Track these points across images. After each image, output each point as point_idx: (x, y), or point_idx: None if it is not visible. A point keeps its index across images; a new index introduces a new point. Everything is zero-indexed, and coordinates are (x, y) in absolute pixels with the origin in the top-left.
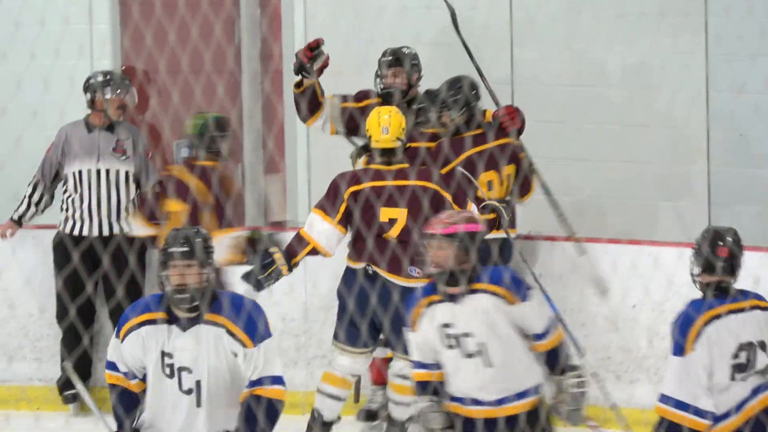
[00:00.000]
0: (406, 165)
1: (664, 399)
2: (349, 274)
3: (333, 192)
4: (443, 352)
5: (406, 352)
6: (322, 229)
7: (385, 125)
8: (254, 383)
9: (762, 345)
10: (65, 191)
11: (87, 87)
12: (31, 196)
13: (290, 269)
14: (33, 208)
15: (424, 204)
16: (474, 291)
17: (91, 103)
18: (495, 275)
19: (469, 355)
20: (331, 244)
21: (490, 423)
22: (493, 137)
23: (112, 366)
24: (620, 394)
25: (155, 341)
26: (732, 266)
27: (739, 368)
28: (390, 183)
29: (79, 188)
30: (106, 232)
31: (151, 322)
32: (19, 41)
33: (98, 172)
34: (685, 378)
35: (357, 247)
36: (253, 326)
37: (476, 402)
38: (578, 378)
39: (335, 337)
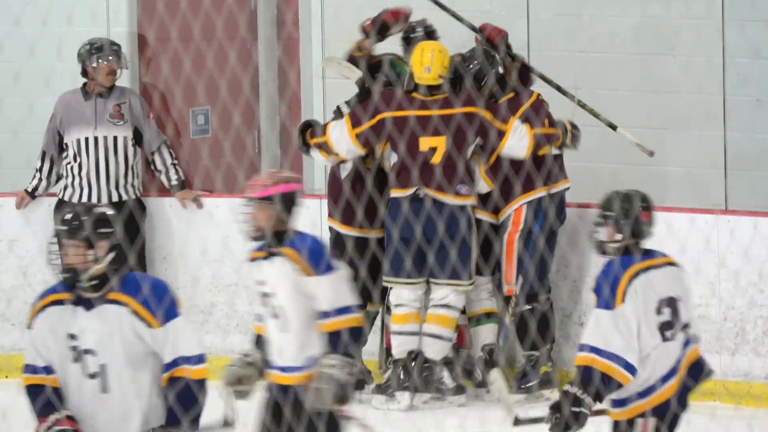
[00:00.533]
0: (446, 95)
1: (593, 350)
2: (394, 205)
3: (372, 109)
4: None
5: (453, 277)
6: (340, 136)
7: (427, 64)
8: (169, 366)
9: (680, 299)
10: (66, 160)
11: (78, 56)
12: (40, 169)
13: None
14: (45, 181)
15: (468, 130)
16: (277, 254)
17: (84, 72)
18: (297, 243)
19: (274, 316)
20: (342, 149)
21: (280, 389)
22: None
23: (29, 368)
24: None
25: (61, 323)
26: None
27: (666, 326)
28: (435, 112)
29: (79, 157)
30: (115, 198)
31: (57, 303)
32: (33, 6)
33: (96, 139)
34: (615, 331)
35: (402, 175)
36: (157, 305)
37: (272, 365)
38: (335, 363)
39: (388, 273)
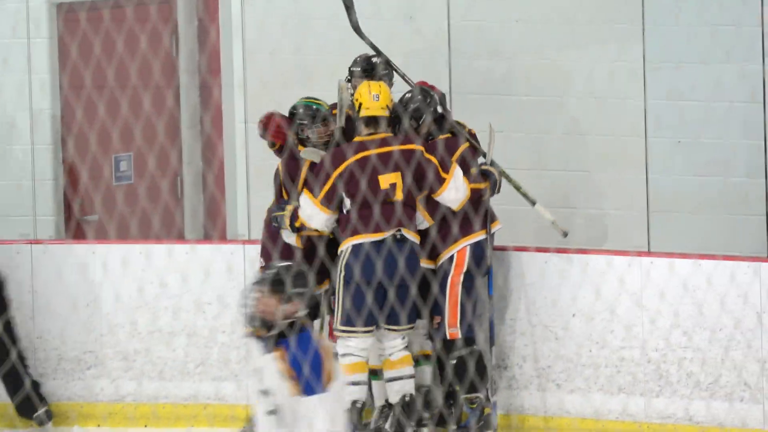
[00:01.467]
0: (389, 134)
1: None
2: (355, 251)
3: (322, 175)
4: None
5: (411, 321)
6: (311, 212)
7: (376, 92)
8: None
9: None
10: None
11: None
12: None
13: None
14: None
15: (411, 165)
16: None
17: None
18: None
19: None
20: (318, 224)
21: None
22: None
23: None
24: (559, 402)
25: None
26: None
27: None
28: (374, 151)
29: None
30: None
31: None
32: None
33: None
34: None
35: (365, 219)
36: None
37: None
38: None
39: (344, 324)
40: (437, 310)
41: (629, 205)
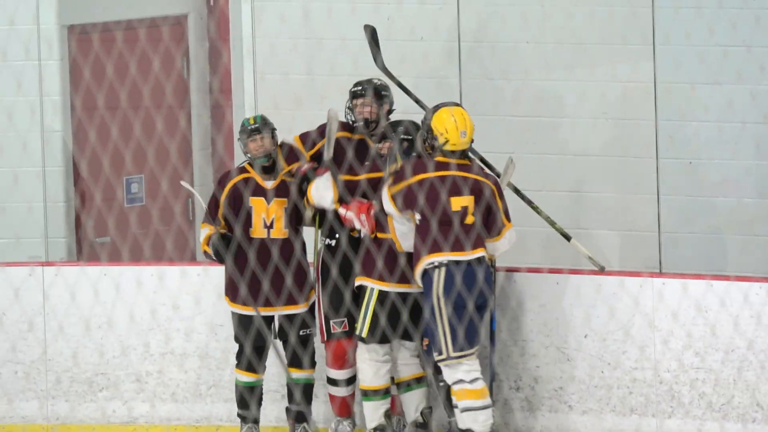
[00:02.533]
0: (467, 162)
1: None
2: (449, 273)
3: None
4: None
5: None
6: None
7: (463, 129)
8: None
9: None
10: None
11: None
12: None
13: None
14: None
15: (485, 194)
16: None
17: None
18: None
19: None
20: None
21: None
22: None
23: None
24: (572, 424)
25: None
26: None
27: None
28: (454, 173)
29: None
30: None
31: None
32: None
33: None
34: None
35: (446, 237)
36: None
37: None
38: None
39: (455, 350)
40: (426, 332)
41: (641, 226)
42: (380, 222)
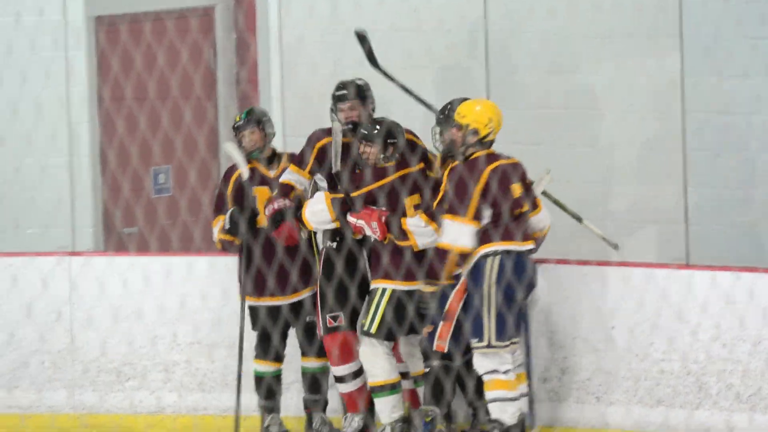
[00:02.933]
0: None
1: None
2: (501, 263)
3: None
4: None
5: None
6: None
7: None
8: None
9: None
10: None
11: None
12: None
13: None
14: None
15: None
16: None
17: None
18: None
19: None
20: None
21: None
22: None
23: None
24: (599, 415)
25: None
26: None
27: None
28: (506, 162)
29: None
30: None
31: None
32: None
33: None
34: None
35: (507, 227)
36: None
37: None
38: None
39: (499, 338)
40: (434, 321)
41: (669, 218)
42: (395, 229)
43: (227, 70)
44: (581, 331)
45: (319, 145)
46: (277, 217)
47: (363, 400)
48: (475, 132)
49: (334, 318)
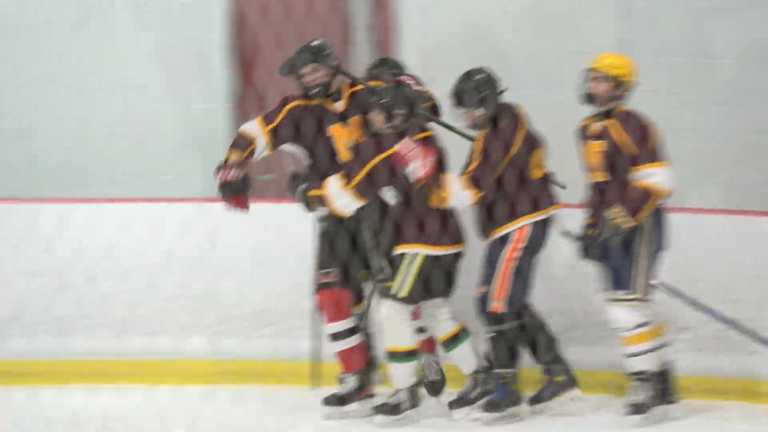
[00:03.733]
0: None
1: None
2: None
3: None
4: None
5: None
6: None
7: None
8: None
9: None
10: None
11: None
12: None
13: None
14: None
15: None
16: None
17: None
18: None
19: None
20: None
21: None
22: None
23: None
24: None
25: None
26: None
27: None
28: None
29: None
30: None
31: None
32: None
33: None
34: None
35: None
36: None
37: None
38: None
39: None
40: (485, 279)
41: None
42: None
43: (364, 17)
44: (723, 282)
45: (288, 107)
46: (228, 188)
47: (358, 360)
48: (624, 85)
49: (326, 274)
